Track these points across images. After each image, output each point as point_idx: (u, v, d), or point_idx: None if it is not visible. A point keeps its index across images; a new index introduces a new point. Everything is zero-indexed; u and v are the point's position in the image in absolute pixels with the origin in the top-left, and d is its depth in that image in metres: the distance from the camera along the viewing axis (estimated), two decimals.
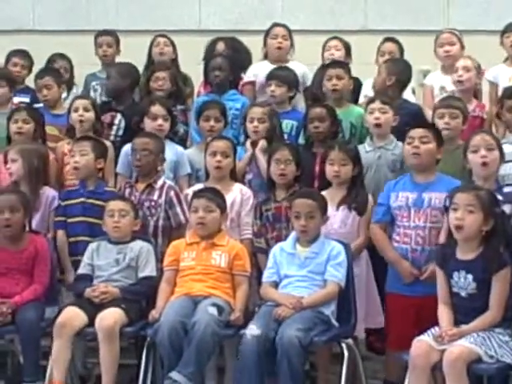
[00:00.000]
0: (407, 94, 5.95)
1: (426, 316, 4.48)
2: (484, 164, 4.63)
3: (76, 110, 5.52)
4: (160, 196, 5.14)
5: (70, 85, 6.27)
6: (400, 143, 5.10)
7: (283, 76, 5.77)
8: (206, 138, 5.48)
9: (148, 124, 5.45)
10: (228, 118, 5.63)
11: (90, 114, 5.52)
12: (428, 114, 5.65)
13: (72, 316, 4.68)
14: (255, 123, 5.41)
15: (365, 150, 5.23)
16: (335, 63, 5.89)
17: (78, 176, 5.20)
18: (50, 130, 5.67)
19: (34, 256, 4.91)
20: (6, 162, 5.22)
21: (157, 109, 5.47)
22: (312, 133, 5.38)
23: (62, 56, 6.51)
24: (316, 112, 5.39)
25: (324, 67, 5.83)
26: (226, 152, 5.14)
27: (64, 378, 4.64)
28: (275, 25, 6.33)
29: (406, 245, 4.71)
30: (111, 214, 4.90)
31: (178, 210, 5.12)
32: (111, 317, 4.65)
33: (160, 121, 5.44)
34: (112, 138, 5.77)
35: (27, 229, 5.01)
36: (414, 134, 4.78)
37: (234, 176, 5.24)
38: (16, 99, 6.09)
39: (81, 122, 5.49)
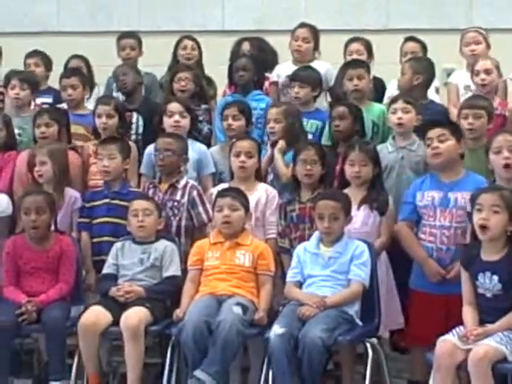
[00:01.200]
0: (431, 94, 5.94)
1: (453, 314, 4.48)
2: (507, 166, 4.61)
3: (99, 117, 5.54)
4: (183, 196, 5.16)
5: (90, 85, 6.28)
6: (423, 143, 5.09)
7: (306, 76, 5.77)
8: (228, 137, 5.49)
9: (166, 121, 5.48)
10: (251, 116, 5.63)
11: (114, 121, 5.52)
12: (453, 112, 5.64)
13: (97, 315, 4.71)
14: (271, 124, 5.42)
15: (387, 150, 5.23)
16: (355, 63, 5.90)
17: (107, 179, 5.22)
18: (75, 129, 5.69)
19: (60, 255, 4.95)
20: (30, 163, 5.24)
21: (173, 106, 5.49)
22: (333, 132, 5.39)
23: (79, 57, 6.53)
24: (338, 111, 5.39)
25: (344, 67, 5.83)
26: (250, 152, 5.15)
27: (98, 371, 4.71)
28: (299, 26, 6.34)
29: (431, 244, 4.71)
30: (135, 213, 4.92)
31: (201, 209, 5.14)
32: (136, 316, 4.67)
33: (176, 117, 5.45)
34: (133, 137, 5.80)
35: (53, 229, 5.04)
36: (431, 135, 4.77)
37: (259, 176, 5.25)
38: (38, 100, 6.12)
39: (104, 129, 5.52)
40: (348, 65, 5.85)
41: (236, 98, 5.82)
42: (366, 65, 5.84)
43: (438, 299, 4.64)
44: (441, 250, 4.69)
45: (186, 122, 5.48)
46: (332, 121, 5.39)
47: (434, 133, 4.77)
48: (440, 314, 4.60)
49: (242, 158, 5.13)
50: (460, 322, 4.30)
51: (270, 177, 5.39)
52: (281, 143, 5.40)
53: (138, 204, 4.93)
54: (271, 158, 5.40)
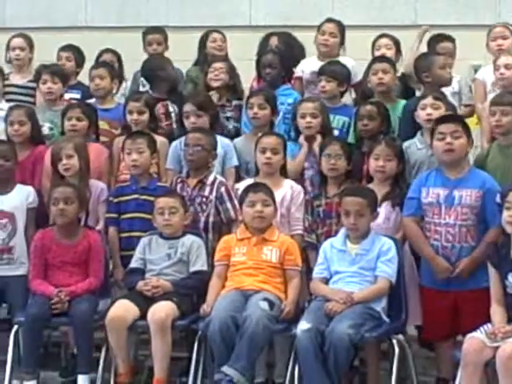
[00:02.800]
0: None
1: (461, 311, 4.53)
2: None
3: (131, 113, 5.55)
4: (211, 192, 5.16)
5: (119, 79, 6.30)
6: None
7: (333, 71, 5.76)
8: (253, 126, 5.49)
9: (184, 122, 5.49)
10: (277, 106, 5.60)
11: (145, 117, 5.54)
12: (478, 109, 5.60)
13: (124, 309, 4.74)
14: (308, 118, 5.40)
15: (416, 146, 5.20)
16: (381, 58, 5.89)
17: (136, 173, 5.24)
18: (100, 124, 5.70)
19: (88, 250, 4.98)
20: (54, 157, 5.26)
21: (188, 106, 5.49)
22: (360, 130, 5.38)
23: (110, 51, 6.57)
24: (366, 109, 5.38)
25: (370, 63, 5.82)
26: (276, 148, 5.15)
27: (129, 366, 4.74)
28: (326, 21, 6.31)
29: (436, 242, 4.69)
30: (161, 211, 4.94)
31: (229, 205, 5.15)
32: (163, 310, 4.70)
33: (192, 119, 5.45)
34: (174, 125, 5.80)
35: (82, 224, 5.09)
36: (444, 130, 4.71)
37: (285, 172, 5.25)
38: (67, 95, 6.15)
39: (136, 125, 5.53)
40: (374, 60, 5.86)
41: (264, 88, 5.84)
42: (391, 61, 5.84)
43: (446, 296, 4.64)
44: (446, 247, 4.67)
45: (202, 121, 5.45)
46: (360, 119, 5.37)
47: (447, 128, 4.71)
48: (449, 311, 4.61)
49: (268, 154, 5.13)
50: (469, 319, 4.34)
51: (310, 172, 5.37)
52: (319, 138, 5.39)
53: (164, 202, 4.93)
54: (307, 155, 5.39)
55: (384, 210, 4.91)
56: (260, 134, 5.31)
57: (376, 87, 5.67)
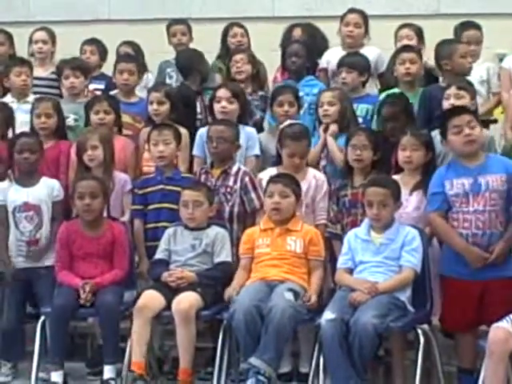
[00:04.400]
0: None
1: (488, 300, 4.50)
2: None
3: (151, 103, 5.58)
4: (235, 182, 5.18)
5: (142, 72, 6.32)
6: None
7: (353, 62, 5.77)
8: (280, 122, 5.51)
9: (215, 107, 5.50)
10: (302, 102, 5.62)
11: (165, 107, 5.56)
12: (505, 97, 5.56)
13: (151, 299, 4.76)
14: (325, 107, 5.41)
15: (440, 137, 5.18)
16: (408, 48, 5.88)
17: (162, 164, 5.26)
18: (123, 117, 5.70)
19: (112, 242, 5.01)
20: (79, 148, 5.29)
21: (221, 91, 5.52)
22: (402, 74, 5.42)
23: (130, 43, 6.58)
24: (388, 111, 5.33)
25: (397, 52, 5.81)
26: None
27: (144, 358, 4.73)
28: (349, 11, 6.31)
29: (466, 230, 4.66)
30: (185, 204, 4.95)
31: (253, 195, 5.16)
32: (187, 300, 4.72)
33: (224, 103, 5.47)
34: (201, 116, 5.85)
35: (105, 215, 5.11)
36: (459, 122, 4.68)
37: (307, 161, 5.24)
38: (91, 86, 6.18)
39: (156, 115, 5.57)
40: (401, 49, 5.84)
41: (287, 83, 5.83)
42: (418, 50, 5.83)
43: (472, 286, 4.60)
44: (476, 235, 4.64)
45: (233, 108, 5.49)
46: (385, 121, 5.35)
47: (461, 120, 4.69)
48: (474, 300, 4.58)
49: None
50: (495, 308, 4.30)
51: (323, 162, 5.39)
52: (332, 127, 5.39)
53: (189, 195, 4.95)
54: (324, 144, 5.41)
55: (415, 198, 4.90)
56: (282, 125, 5.32)
57: (402, 77, 5.67)
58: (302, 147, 5.15)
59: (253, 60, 6.00)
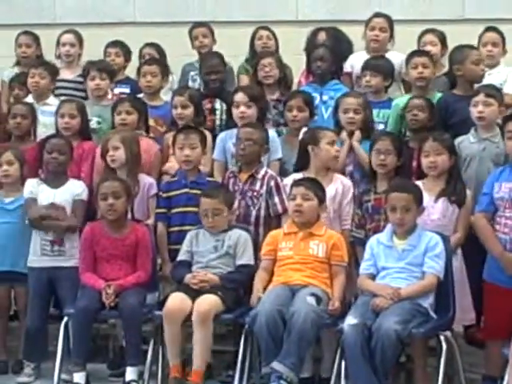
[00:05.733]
0: None
1: None
2: None
3: (175, 107, 5.60)
4: (262, 186, 5.18)
5: (166, 74, 6.33)
6: None
7: (378, 65, 5.77)
8: (290, 128, 5.51)
9: (233, 112, 5.51)
10: (314, 107, 5.61)
11: (189, 111, 5.57)
12: None
13: (181, 302, 4.76)
14: (351, 114, 5.40)
15: (469, 141, 5.17)
16: (420, 52, 5.87)
17: (187, 168, 5.27)
18: None
19: (136, 244, 5.03)
20: (103, 149, 5.31)
21: (239, 96, 5.51)
22: (410, 120, 5.34)
23: (152, 45, 6.60)
24: (416, 102, 5.35)
25: (409, 56, 5.79)
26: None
27: (180, 362, 4.75)
28: (375, 15, 6.30)
29: (505, 235, 4.65)
30: (205, 213, 4.95)
31: (277, 199, 5.16)
32: (206, 303, 4.73)
33: (242, 108, 5.47)
34: (218, 122, 5.84)
35: (129, 217, 5.13)
36: None
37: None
38: (116, 90, 6.20)
39: (180, 119, 5.57)
40: (413, 53, 5.82)
41: (311, 88, 5.83)
42: (430, 55, 5.81)
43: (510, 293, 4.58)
44: None
45: (251, 112, 5.48)
46: (408, 111, 5.35)
47: None
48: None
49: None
50: None
51: (350, 167, 5.38)
52: (357, 134, 5.39)
53: (207, 204, 4.94)
54: (349, 150, 5.40)
55: (441, 206, 4.90)
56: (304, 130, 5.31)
57: (415, 81, 5.65)
58: None
59: (280, 64, 6.00)
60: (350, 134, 5.41)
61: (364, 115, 5.41)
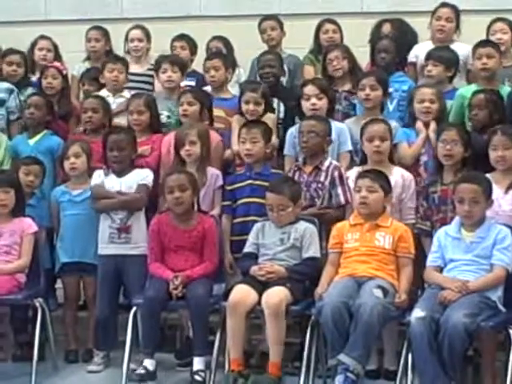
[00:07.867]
0: None
1: None
2: None
3: (247, 103, 5.59)
4: (326, 177, 5.18)
5: (232, 66, 6.35)
6: None
7: (440, 55, 5.72)
8: (364, 108, 5.50)
9: (303, 105, 5.50)
10: (388, 87, 5.57)
11: (261, 108, 5.57)
12: None
13: (244, 294, 4.79)
14: (426, 104, 5.36)
15: None
16: (485, 42, 5.79)
17: (249, 161, 5.30)
18: (216, 111, 5.77)
19: (202, 236, 5.07)
20: (178, 143, 5.35)
21: (308, 88, 5.51)
22: (470, 119, 5.29)
23: (219, 38, 6.64)
24: (477, 99, 5.28)
25: (474, 47, 5.72)
26: (383, 136, 5.13)
27: (241, 355, 4.77)
28: (441, 5, 6.24)
29: None
30: (271, 208, 4.96)
31: (340, 190, 5.15)
32: (277, 295, 4.74)
33: (313, 99, 5.46)
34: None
35: (196, 209, 5.17)
36: None
37: (392, 159, 5.21)
38: (183, 83, 6.24)
39: (252, 115, 5.56)
40: (478, 44, 5.75)
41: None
42: (496, 45, 5.73)
43: None
44: None
45: (322, 104, 5.49)
46: (470, 110, 5.29)
47: None
48: None
49: (377, 142, 5.11)
50: None
51: (425, 158, 5.31)
52: (433, 124, 5.34)
53: (272, 199, 4.95)
54: (425, 140, 5.34)
55: (511, 197, 4.84)
56: (364, 121, 5.29)
57: (479, 72, 5.59)
58: None
59: (348, 55, 5.97)
60: (426, 125, 5.36)
61: (439, 105, 5.37)
